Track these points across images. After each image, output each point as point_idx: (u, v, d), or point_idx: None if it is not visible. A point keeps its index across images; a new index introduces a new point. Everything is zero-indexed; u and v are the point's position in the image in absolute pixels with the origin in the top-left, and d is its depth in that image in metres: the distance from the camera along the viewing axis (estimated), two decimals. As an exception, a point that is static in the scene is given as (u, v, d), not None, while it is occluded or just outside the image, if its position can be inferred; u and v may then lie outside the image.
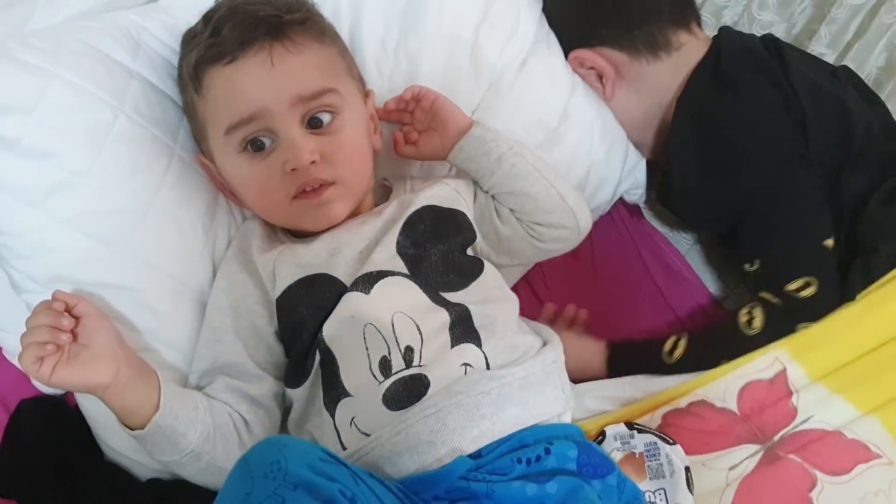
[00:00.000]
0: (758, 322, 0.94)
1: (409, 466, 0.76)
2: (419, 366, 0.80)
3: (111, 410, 0.77)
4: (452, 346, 0.81)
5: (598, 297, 1.13)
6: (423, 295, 0.84)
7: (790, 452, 0.84)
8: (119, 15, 0.94)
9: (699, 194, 1.09)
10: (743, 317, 0.95)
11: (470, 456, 0.75)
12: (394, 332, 0.81)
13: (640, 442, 0.86)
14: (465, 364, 0.81)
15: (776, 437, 0.86)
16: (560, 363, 0.86)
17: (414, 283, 0.84)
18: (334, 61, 0.90)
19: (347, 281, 0.84)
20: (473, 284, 0.88)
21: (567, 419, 0.85)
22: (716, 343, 0.97)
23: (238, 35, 0.83)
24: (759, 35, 1.18)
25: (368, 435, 0.78)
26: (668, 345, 0.97)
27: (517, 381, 0.80)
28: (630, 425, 0.87)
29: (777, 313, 0.94)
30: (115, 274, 0.86)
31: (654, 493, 0.82)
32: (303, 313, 0.83)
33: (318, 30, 0.89)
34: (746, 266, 1.01)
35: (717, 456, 0.85)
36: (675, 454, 0.84)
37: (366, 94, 0.95)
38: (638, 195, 1.24)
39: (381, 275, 0.84)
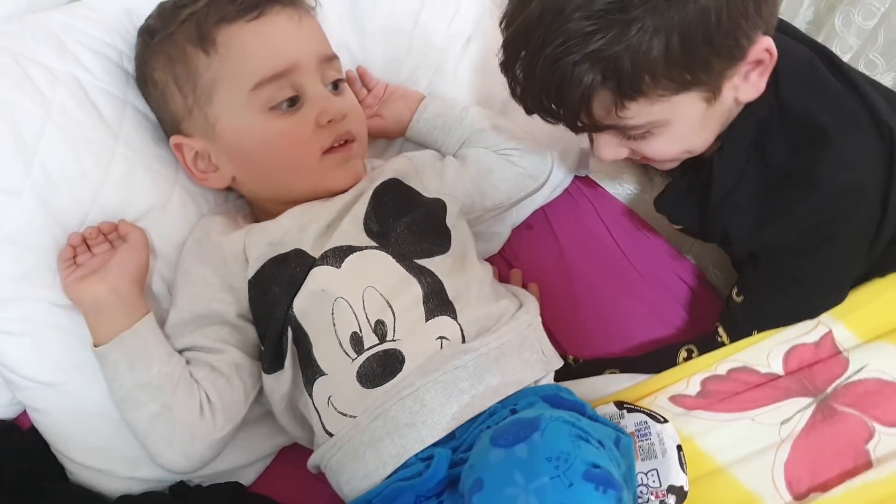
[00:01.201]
0: (725, 339, 0.94)
1: (390, 450, 0.75)
2: (393, 340, 0.79)
3: (87, 324, 0.80)
4: (427, 320, 0.81)
5: (565, 274, 1.11)
6: (397, 265, 0.83)
7: (845, 405, 0.82)
8: (42, 16, 0.89)
9: (738, 224, 0.92)
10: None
11: (445, 441, 0.75)
12: (364, 307, 0.80)
13: (630, 422, 0.83)
14: (441, 338, 0.80)
15: (829, 389, 0.83)
16: (536, 325, 0.86)
17: (386, 254, 0.83)
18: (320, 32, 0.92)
19: (316, 254, 0.82)
20: (448, 253, 0.87)
21: (549, 381, 0.84)
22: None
23: None
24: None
25: (346, 415, 0.78)
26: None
27: (493, 351, 0.79)
28: (620, 404, 0.85)
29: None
30: (56, 289, 0.83)
31: (646, 474, 0.79)
32: (275, 292, 0.82)
33: (306, 2, 0.91)
34: (734, 292, 0.94)
35: (767, 410, 0.83)
36: (667, 433, 0.81)
37: None
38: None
39: (352, 249, 0.83)
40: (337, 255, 0.82)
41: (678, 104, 0.80)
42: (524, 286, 1.06)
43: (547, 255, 1.14)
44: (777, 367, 0.86)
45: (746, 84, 0.82)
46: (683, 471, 0.78)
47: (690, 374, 0.88)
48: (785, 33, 0.90)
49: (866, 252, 0.88)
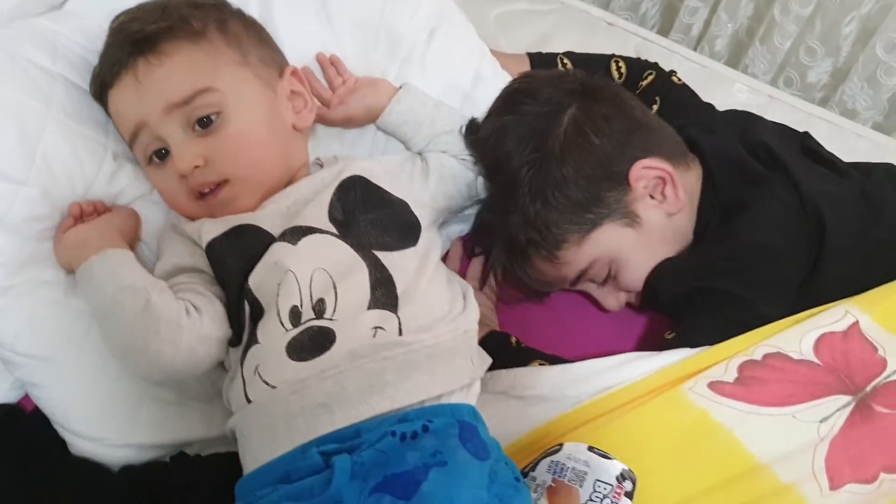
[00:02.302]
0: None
1: (300, 427, 0.76)
2: (329, 319, 0.81)
3: (72, 262, 0.86)
4: (368, 308, 0.82)
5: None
6: (352, 252, 0.85)
7: (884, 406, 0.82)
8: (30, 21, 0.95)
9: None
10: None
11: (350, 437, 0.75)
12: (310, 285, 0.82)
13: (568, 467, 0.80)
14: (377, 328, 0.81)
15: (868, 388, 0.84)
16: (472, 332, 0.88)
17: (343, 242, 0.86)
18: (213, 57, 0.89)
19: (276, 233, 0.87)
20: (411, 250, 0.90)
21: (476, 390, 0.85)
22: None
23: (108, 63, 0.89)
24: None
25: (268, 384, 0.79)
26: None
27: (424, 349, 0.80)
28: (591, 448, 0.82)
29: None
30: (50, 271, 0.89)
31: (594, 492, 0.78)
32: (230, 264, 0.86)
33: (190, 30, 0.89)
34: (666, 335, 0.98)
35: (807, 407, 0.83)
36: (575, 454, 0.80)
37: (281, 74, 0.96)
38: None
39: (312, 230, 0.86)
40: (295, 234, 0.86)
41: (604, 237, 0.98)
42: None
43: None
44: (808, 354, 0.86)
45: (664, 200, 0.99)
46: (608, 456, 0.78)
47: (729, 357, 0.88)
48: (717, 131, 1.09)
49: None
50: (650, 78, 1.22)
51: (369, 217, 0.89)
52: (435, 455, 0.71)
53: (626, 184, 0.97)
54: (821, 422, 0.82)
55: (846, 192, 0.98)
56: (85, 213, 0.90)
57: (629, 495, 0.77)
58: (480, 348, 0.90)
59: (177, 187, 0.88)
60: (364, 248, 0.86)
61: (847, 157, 1.10)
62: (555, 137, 0.98)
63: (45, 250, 0.89)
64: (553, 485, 0.78)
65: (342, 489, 0.69)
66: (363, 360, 0.78)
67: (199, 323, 0.82)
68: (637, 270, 1.01)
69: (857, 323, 0.88)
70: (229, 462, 0.86)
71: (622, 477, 0.78)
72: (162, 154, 0.88)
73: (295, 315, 0.81)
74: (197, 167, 0.86)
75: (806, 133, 1.12)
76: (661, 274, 1.00)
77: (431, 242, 0.95)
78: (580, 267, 1.01)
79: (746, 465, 0.80)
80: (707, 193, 1.02)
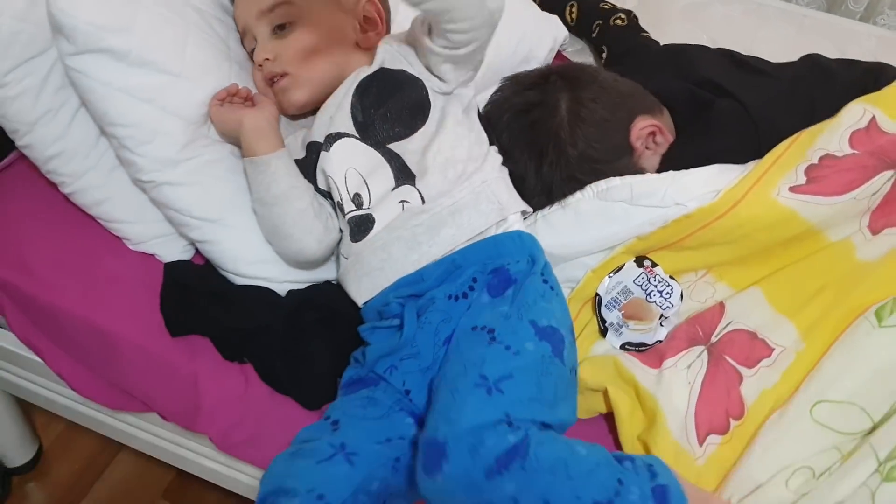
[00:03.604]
0: None
1: (366, 285, 1.03)
2: (367, 208, 1.04)
3: (247, 142, 1.07)
4: (393, 189, 1.03)
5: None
6: (371, 150, 1.05)
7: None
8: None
9: None
10: None
11: (411, 291, 1.00)
12: (345, 182, 1.05)
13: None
14: (403, 201, 1.02)
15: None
16: (491, 180, 1.04)
17: (364, 144, 1.05)
18: None
19: (322, 141, 1.08)
20: (421, 130, 1.05)
21: (513, 225, 1.03)
22: None
23: None
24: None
25: (345, 258, 1.07)
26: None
27: (446, 209, 1.00)
28: (640, 261, 1.07)
29: None
30: (210, 150, 1.12)
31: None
32: (308, 175, 1.11)
33: None
34: None
35: (864, 188, 1.02)
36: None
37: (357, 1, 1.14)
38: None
39: (339, 135, 1.07)
40: (329, 140, 1.06)
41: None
42: None
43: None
44: (847, 149, 1.03)
45: (658, 146, 1.16)
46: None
47: (795, 165, 1.04)
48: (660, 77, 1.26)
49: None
50: (598, 30, 1.48)
51: (381, 112, 1.05)
52: (469, 308, 0.96)
53: (630, 149, 1.14)
54: (872, 195, 1.04)
55: (780, 91, 1.18)
56: (240, 94, 1.11)
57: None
58: (510, 188, 1.06)
59: (257, 74, 1.14)
60: (380, 144, 1.05)
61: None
62: (561, 130, 1.11)
63: (204, 132, 1.11)
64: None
65: (411, 331, 0.97)
66: (399, 230, 1.01)
67: (335, 228, 1.08)
68: None
69: (874, 118, 1.05)
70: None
71: (639, 263, 1.07)
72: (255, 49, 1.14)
73: (341, 208, 1.06)
74: (267, 59, 1.11)
75: (728, 50, 1.32)
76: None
77: (448, 110, 1.07)
78: None
79: (820, 242, 1.05)
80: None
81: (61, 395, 1.38)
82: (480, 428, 0.79)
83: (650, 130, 1.15)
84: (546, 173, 1.11)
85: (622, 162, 1.13)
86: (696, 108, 1.20)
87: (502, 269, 0.98)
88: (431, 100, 1.07)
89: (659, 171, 1.13)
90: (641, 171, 1.12)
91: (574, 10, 1.53)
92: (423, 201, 1.02)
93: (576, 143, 1.10)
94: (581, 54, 1.55)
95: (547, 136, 1.11)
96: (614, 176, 1.08)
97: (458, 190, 1.02)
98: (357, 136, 1.06)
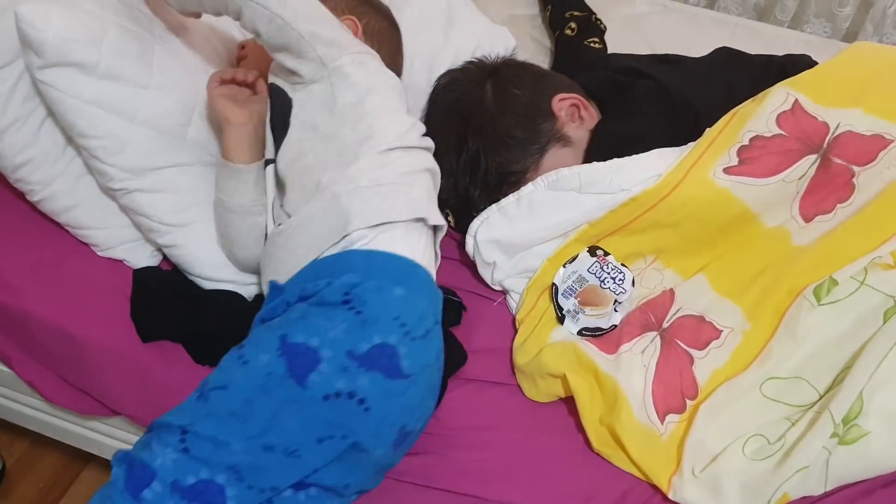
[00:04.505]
0: None
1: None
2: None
3: (227, 143, 1.11)
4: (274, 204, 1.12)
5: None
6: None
7: (837, 157, 1.09)
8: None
9: None
10: None
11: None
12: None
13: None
14: (277, 222, 1.09)
15: (824, 146, 1.10)
16: (344, 192, 1.00)
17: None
18: None
19: None
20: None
21: (373, 235, 0.98)
22: None
23: None
24: None
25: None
26: None
27: (292, 230, 1.02)
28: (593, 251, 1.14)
29: None
30: (180, 157, 1.15)
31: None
32: None
33: None
34: None
35: (791, 171, 1.09)
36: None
37: None
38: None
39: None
40: None
41: (551, 160, 1.23)
42: None
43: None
44: (775, 129, 1.11)
45: (584, 121, 1.27)
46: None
47: (728, 146, 1.12)
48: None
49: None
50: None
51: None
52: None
53: (552, 114, 1.25)
54: (799, 179, 1.11)
55: (695, 71, 1.32)
56: (244, 79, 1.15)
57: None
58: (381, 196, 1.01)
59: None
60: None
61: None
62: (486, 102, 1.25)
63: (173, 141, 1.14)
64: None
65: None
66: (268, 247, 1.07)
67: None
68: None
69: (797, 100, 1.14)
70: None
71: (592, 252, 1.14)
72: None
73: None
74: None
75: (654, 54, 1.47)
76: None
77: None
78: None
79: (757, 228, 1.12)
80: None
81: (27, 406, 1.39)
82: (161, 429, 0.89)
83: (572, 102, 1.26)
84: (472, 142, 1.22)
85: (546, 125, 1.23)
86: (616, 91, 1.32)
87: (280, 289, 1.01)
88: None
89: (590, 148, 1.23)
90: (568, 139, 1.23)
91: (574, 26, 1.67)
92: (275, 223, 1.09)
93: (502, 112, 1.23)
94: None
95: (471, 104, 1.24)
96: (541, 140, 1.21)
97: (308, 207, 1.04)
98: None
